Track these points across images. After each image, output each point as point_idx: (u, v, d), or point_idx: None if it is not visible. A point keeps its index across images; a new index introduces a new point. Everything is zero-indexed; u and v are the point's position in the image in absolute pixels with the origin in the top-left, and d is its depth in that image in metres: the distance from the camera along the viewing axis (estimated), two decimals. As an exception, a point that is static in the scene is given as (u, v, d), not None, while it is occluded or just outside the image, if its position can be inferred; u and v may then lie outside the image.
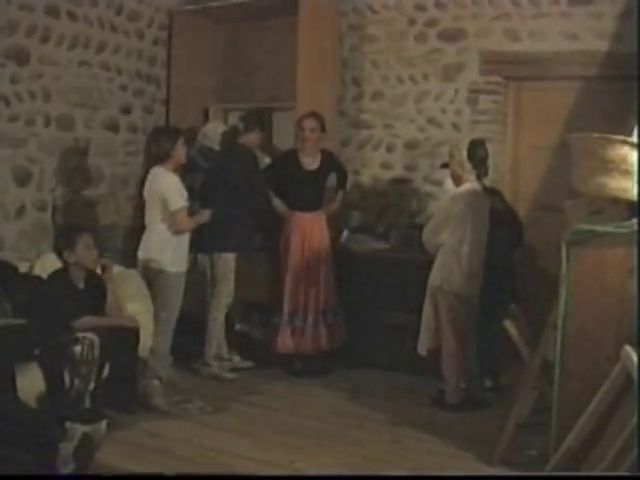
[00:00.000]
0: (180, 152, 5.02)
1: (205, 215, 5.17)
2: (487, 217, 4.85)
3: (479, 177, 4.85)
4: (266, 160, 5.91)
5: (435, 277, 4.84)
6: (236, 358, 5.68)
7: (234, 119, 6.23)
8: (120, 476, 3.78)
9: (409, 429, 4.53)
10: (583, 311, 3.64)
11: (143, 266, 5.03)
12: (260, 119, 5.65)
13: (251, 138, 5.56)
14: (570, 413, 3.57)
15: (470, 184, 4.82)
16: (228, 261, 5.47)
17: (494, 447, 4.00)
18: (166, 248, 4.97)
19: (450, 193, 4.90)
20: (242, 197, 5.43)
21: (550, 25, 5.60)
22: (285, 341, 5.54)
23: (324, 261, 5.61)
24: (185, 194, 5.01)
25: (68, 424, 3.77)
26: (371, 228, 6.18)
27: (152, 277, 4.99)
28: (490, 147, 5.38)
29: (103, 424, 4.01)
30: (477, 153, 4.85)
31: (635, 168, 3.54)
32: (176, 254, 5.00)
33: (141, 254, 5.05)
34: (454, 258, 4.77)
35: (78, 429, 3.76)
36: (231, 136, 5.72)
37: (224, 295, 5.50)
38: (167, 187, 4.93)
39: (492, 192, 5.02)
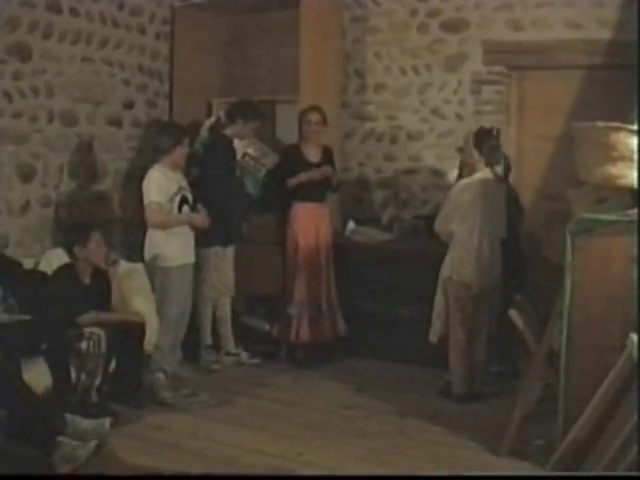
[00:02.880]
0: (178, 154, 5.04)
1: (196, 217, 5.16)
2: (502, 206, 4.82)
3: (489, 165, 4.82)
4: (268, 153, 5.88)
5: (446, 268, 4.83)
6: (244, 354, 5.67)
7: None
8: (121, 476, 3.77)
9: (415, 420, 4.53)
10: (588, 300, 3.64)
11: (148, 262, 5.06)
12: (243, 110, 5.53)
13: (233, 129, 5.52)
14: (577, 402, 3.58)
15: (481, 173, 4.79)
16: (206, 254, 5.44)
17: (501, 437, 3.99)
18: (169, 240, 5.01)
19: (460, 182, 4.88)
20: (221, 189, 5.42)
21: (553, 14, 5.57)
22: (302, 330, 5.55)
23: (329, 251, 5.66)
24: (170, 191, 5.00)
25: (75, 418, 3.79)
26: (375, 220, 6.18)
27: (156, 272, 5.02)
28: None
29: (107, 421, 4.03)
30: (486, 141, 4.81)
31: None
32: (181, 245, 5.05)
33: (146, 251, 5.08)
34: (464, 248, 4.74)
35: (84, 424, 3.78)
36: (216, 128, 5.71)
37: (206, 288, 5.49)
38: (147, 181, 5.01)
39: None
